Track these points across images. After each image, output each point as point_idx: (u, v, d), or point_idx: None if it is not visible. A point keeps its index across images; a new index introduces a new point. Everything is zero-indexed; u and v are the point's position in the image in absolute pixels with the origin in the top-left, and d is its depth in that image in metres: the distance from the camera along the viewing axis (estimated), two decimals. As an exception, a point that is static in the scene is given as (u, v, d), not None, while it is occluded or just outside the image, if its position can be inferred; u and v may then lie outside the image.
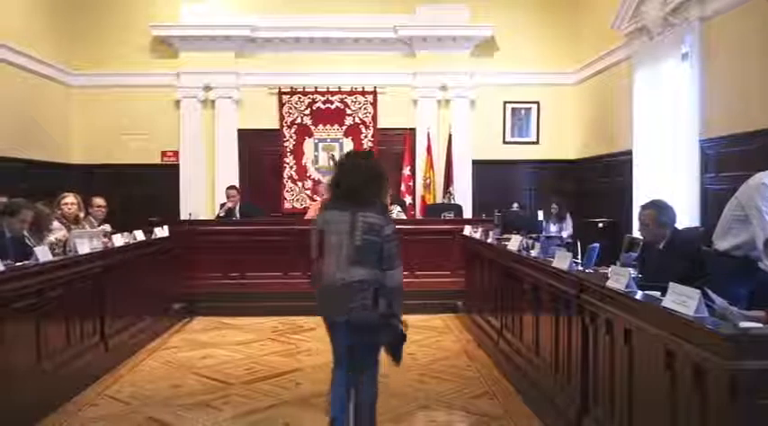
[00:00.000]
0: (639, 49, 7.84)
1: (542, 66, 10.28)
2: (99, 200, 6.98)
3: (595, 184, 9.44)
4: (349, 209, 3.39)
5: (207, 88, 10.20)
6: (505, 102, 10.44)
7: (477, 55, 10.29)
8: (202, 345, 6.20)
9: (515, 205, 9.74)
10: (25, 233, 5.22)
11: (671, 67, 7.20)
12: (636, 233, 5.59)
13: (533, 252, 4.84)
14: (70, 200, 6.39)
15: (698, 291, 2.46)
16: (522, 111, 10.51)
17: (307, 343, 6.17)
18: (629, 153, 8.05)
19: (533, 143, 10.50)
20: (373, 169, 3.55)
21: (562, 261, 3.99)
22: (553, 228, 8.57)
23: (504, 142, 10.48)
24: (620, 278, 3.15)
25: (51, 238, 5.66)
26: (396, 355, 3.47)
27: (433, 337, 6.38)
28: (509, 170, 10.43)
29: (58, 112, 9.82)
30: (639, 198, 7.39)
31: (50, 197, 6.36)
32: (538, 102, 10.45)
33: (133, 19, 10.05)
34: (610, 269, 3.43)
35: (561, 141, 10.42)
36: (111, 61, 10.06)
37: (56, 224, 6.02)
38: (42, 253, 4.53)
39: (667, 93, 7.27)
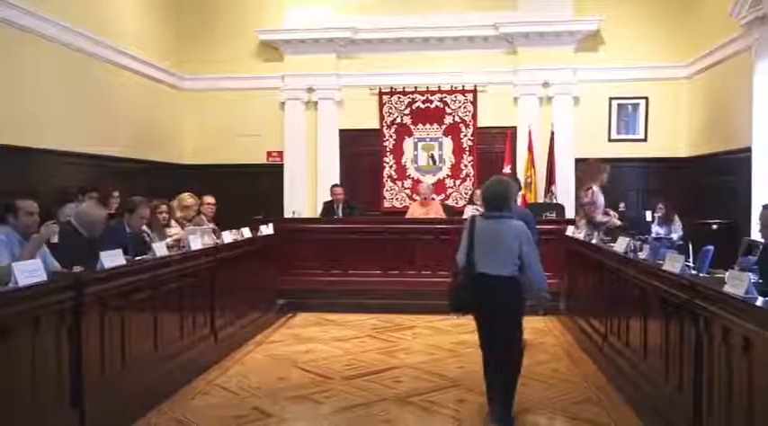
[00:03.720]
0: (760, 39, 7.36)
1: (651, 60, 9.84)
2: (209, 199, 7.35)
3: (709, 184, 8.92)
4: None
5: (310, 90, 10.47)
6: (611, 98, 10.07)
7: (582, 50, 9.98)
8: (304, 340, 6.37)
9: (621, 205, 9.36)
10: (144, 229, 5.58)
11: (796, 58, 6.71)
12: (755, 235, 5.26)
13: (641, 255, 4.65)
14: (192, 201, 6.87)
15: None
16: (629, 107, 10.10)
17: (406, 342, 6.22)
18: (748, 150, 7.57)
19: (641, 140, 10.06)
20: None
21: (674, 263, 3.81)
22: (661, 230, 8.17)
23: (610, 140, 10.11)
24: (738, 282, 2.96)
25: (171, 234, 6.04)
26: None
27: (534, 338, 6.24)
28: (615, 168, 9.99)
29: (171, 115, 10.38)
30: (759, 198, 6.93)
31: (167, 196, 6.79)
32: (646, 98, 10.01)
33: (241, 23, 10.45)
34: (727, 273, 3.23)
35: (671, 138, 9.93)
36: (220, 65, 10.52)
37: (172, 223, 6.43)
38: (159, 249, 4.81)
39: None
